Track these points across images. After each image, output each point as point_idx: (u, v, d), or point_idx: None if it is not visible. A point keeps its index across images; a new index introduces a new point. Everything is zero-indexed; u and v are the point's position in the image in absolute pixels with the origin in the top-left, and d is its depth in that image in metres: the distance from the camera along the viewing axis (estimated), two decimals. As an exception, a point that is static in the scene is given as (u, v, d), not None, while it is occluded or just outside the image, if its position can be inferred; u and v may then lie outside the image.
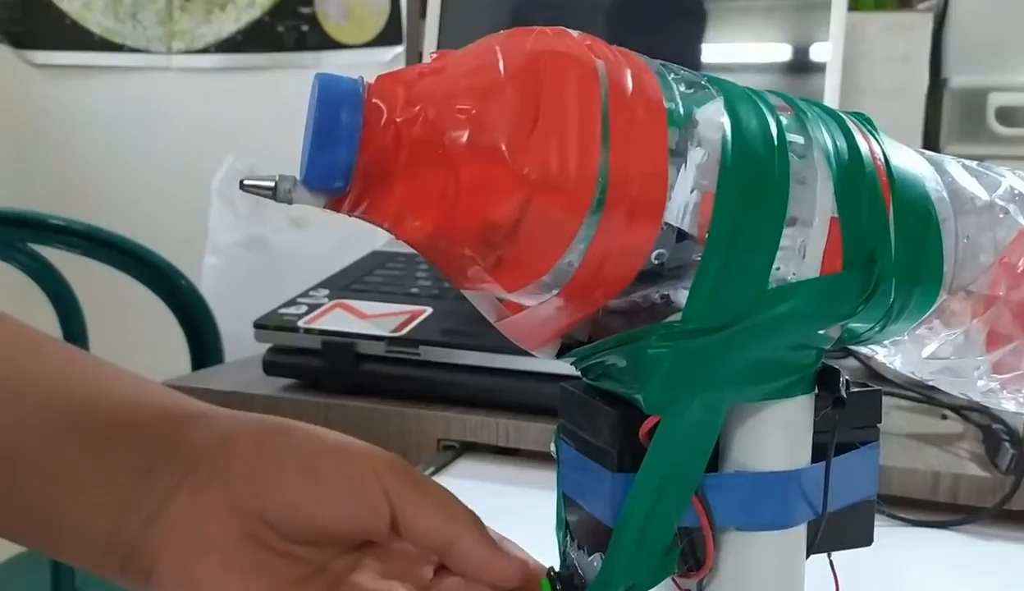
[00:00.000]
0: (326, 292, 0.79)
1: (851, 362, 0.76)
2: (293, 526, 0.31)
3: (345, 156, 0.28)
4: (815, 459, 0.32)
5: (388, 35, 1.47)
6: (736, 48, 0.95)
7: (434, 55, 0.30)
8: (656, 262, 0.28)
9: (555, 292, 0.29)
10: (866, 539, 0.35)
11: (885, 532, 0.57)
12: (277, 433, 0.33)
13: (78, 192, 1.54)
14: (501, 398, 0.68)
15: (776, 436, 0.31)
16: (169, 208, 1.50)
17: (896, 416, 0.70)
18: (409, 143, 0.28)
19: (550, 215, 0.27)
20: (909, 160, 0.32)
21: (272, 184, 0.29)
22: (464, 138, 0.27)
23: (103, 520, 0.31)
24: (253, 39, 1.54)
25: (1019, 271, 0.32)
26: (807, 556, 0.33)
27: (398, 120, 0.28)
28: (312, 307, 0.76)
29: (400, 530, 0.32)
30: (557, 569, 0.33)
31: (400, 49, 1.41)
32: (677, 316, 0.29)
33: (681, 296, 0.30)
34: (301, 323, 0.73)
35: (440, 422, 0.68)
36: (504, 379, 0.67)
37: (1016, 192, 0.33)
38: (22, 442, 0.30)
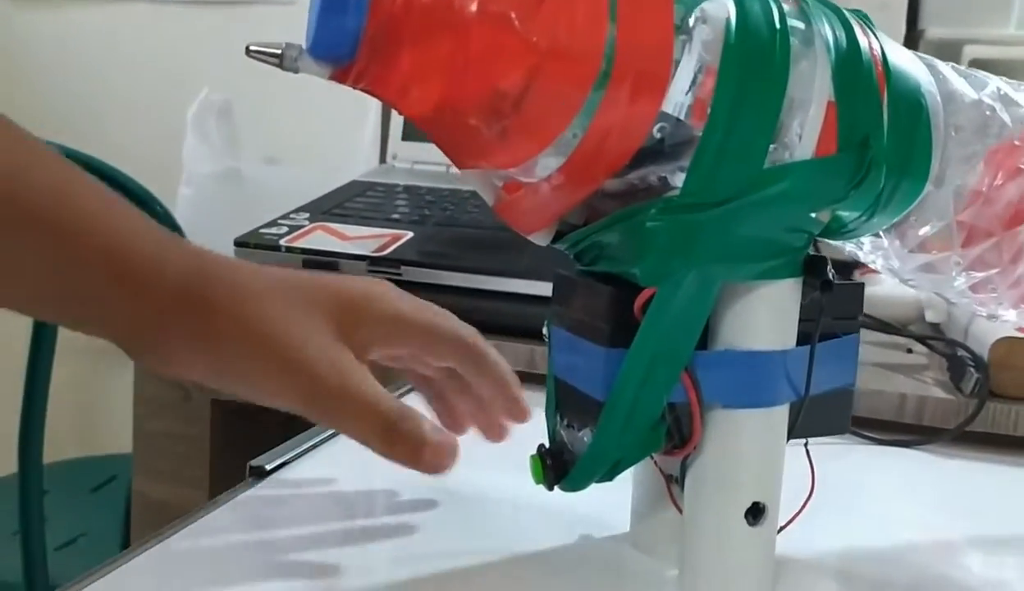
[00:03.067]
0: (306, 215, 0.79)
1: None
2: None
3: (353, 23, 0.28)
4: (799, 345, 0.33)
5: (367, -29, 1.45)
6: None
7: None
8: (658, 136, 0.29)
9: (556, 167, 0.30)
10: (842, 426, 0.36)
11: (851, 449, 0.59)
12: None
13: (48, 122, 1.50)
14: (481, 319, 0.68)
15: (765, 316, 0.32)
16: (141, 139, 1.47)
17: (864, 349, 0.72)
18: (418, 10, 0.28)
19: (557, 85, 0.28)
20: (904, 57, 0.33)
21: (279, 51, 0.29)
22: (474, 6, 0.28)
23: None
24: (226, -29, 1.51)
25: (1005, 168, 0.34)
26: (787, 439, 0.34)
27: (407, -12, 0.28)
28: (293, 228, 0.76)
29: None
30: (547, 446, 0.35)
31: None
32: (675, 192, 0.30)
33: (677, 178, 0.31)
34: (283, 242, 0.73)
35: (420, 341, 0.69)
36: (485, 300, 0.68)
37: (1002, 92, 0.34)
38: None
